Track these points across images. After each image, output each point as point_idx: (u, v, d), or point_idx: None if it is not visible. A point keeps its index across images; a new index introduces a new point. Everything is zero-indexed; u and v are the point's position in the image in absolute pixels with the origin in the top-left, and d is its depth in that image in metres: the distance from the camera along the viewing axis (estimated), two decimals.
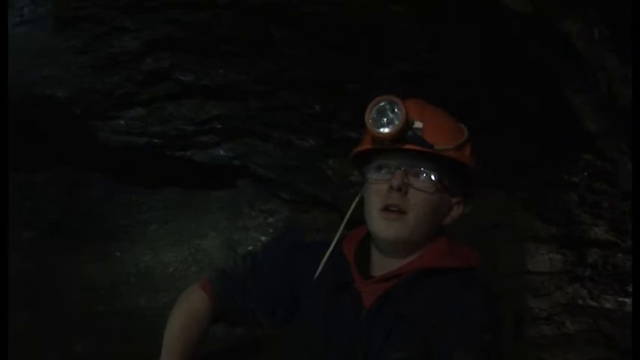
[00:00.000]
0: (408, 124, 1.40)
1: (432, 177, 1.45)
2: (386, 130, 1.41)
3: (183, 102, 3.55)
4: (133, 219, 4.56)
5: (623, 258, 2.33)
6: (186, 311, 1.63)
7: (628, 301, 2.44)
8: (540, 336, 2.85)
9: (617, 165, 2.17)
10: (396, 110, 1.41)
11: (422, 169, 1.45)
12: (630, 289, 2.24)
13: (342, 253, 1.56)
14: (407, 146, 1.43)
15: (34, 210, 4.18)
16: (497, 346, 1.37)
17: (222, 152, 4.11)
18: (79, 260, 4.27)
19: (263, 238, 4.60)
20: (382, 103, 1.43)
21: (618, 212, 2.26)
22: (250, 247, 4.60)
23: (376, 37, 2.62)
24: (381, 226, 1.46)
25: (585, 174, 2.50)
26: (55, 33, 2.77)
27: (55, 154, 3.90)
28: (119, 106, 3.50)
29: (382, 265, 1.52)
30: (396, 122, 1.40)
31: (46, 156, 3.91)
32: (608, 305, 2.66)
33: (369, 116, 1.42)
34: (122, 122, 3.66)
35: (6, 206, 2.53)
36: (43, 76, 3.13)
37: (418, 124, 1.43)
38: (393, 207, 1.44)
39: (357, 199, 1.59)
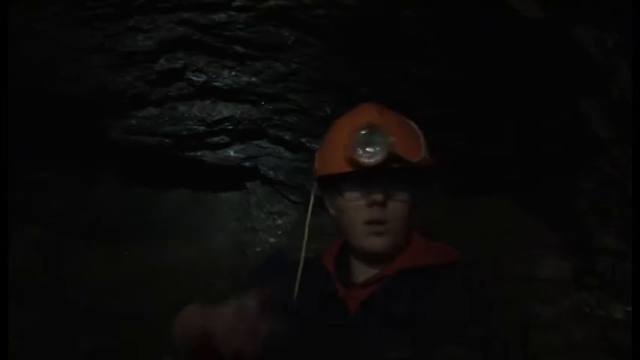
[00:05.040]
0: (391, 150, 1.42)
1: (408, 187, 1.49)
2: (372, 160, 1.43)
3: (195, 103, 3.56)
4: (142, 218, 4.57)
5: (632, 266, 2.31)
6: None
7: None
8: (547, 344, 2.83)
9: (627, 172, 2.16)
10: (378, 137, 1.42)
11: (398, 182, 1.48)
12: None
13: (322, 265, 1.57)
14: (394, 165, 1.45)
15: (43, 208, 4.20)
16: (486, 336, 1.38)
17: (232, 153, 4.13)
18: (87, 259, 4.29)
19: (272, 240, 4.61)
20: (365, 131, 1.44)
21: (628, 220, 2.24)
22: (259, 249, 4.61)
23: (388, 40, 2.62)
24: (367, 240, 1.50)
25: (595, 181, 2.48)
26: (69, 31, 2.78)
27: (66, 152, 3.92)
28: (131, 106, 3.52)
29: (363, 271, 1.55)
30: (381, 152, 1.43)
31: (57, 154, 3.92)
32: (616, 314, 2.64)
33: (352, 145, 1.43)
34: (134, 122, 3.68)
35: (6, 206, 2.55)
36: (56, 74, 3.15)
37: (392, 139, 1.44)
38: (377, 221, 1.47)
39: (309, 215, 1.62)
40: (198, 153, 4.13)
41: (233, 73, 3.21)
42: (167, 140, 3.89)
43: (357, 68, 2.89)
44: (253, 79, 3.22)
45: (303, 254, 1.59)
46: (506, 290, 2.94)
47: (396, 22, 2.48)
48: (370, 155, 1.43)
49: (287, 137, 3.76)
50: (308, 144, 3.72)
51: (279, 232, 4.63)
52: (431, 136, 3.24)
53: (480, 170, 3.21)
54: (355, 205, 1.49)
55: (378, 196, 1.46)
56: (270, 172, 4.31)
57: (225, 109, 3.61)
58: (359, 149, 1.44)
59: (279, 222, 4.66)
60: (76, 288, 4.15)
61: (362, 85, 2.97)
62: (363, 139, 1.45)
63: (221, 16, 2.73)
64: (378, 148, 1.43)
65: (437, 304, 1.43)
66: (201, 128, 3.75)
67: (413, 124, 1.59)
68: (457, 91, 2.79)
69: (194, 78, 3.27)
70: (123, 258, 4.38)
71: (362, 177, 1.48)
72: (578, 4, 2.02)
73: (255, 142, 3.97)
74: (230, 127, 3.75)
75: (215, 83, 3.31)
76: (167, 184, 4.64)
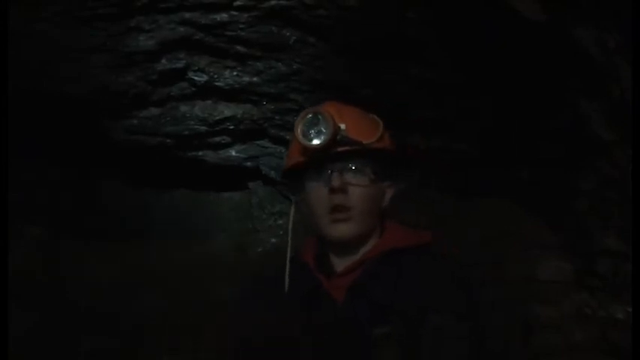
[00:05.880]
0: (336, 131, 1.47)
1: (366, 171, 1.57)
2: (317, 141, 1.51)
3: (197, 103, 3.56)
4: (143, 218, 4.57)
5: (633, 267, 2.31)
6: None
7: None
8: (547, 344, 2.83)
9: (627, 172, 2.16)
10: (322, 120, 1.48)
11: (355, 166, 1.56)
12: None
13: (302, 262, 1.61)
14: (340, 149, 1.51)
15: (44, 208, 4.20)
16: (471, 307, 1.47)
17: (233, 153, 4.13)
18: (87, 259, 4.29)
19: (273, 240, 4.61)
20: (309, 116, 1.50)
21: (628, 220, 2.25)
22: (260, 249, 4.61)
23: (389, 41, 2.63)
24: (332, 228, 1.57)
25: (595, 181, 2.49)
26: (69, 31, 2.78)
27: (67, 152, 3.92)
28: (133, 106, 3.52)
29: (342, 260, 1.63)
30: (325, 131, 1.50)
31: (57, 154, 3.92)
32: (618, 315, 2.64)
33: (299, 131, 1.49)
34: (135, 122, 3.68)
35: (6, 206, 2.54)
36: (56, 74, 3.15)
37: (342, 126, 1.50)
38: (339, 207, 1.53)
39: (292, 214, 1.66)
40: (200, 153, 4.13)
41: (234, 73, 3.21)
42: (168, 140, 3.89)
43: (359, 69, 2.89)
44: (255, 79, 3.22)
45: (288, 254, 1.66)
46: (506, 291, 2.95)
47: (398, 23, 2.49)
48: (315, 136, 1.50)
49: (288, 137, 3.76)
50: None
51: (281, 233, 4.63)
52: (431, 138, 3.25)
53: (480, 171, 3.22)
54: (318, 195, 1.56)
55: (336, 182, 1.53)
56: (272, 172, 4.31)
57: (226, 109, 3.61)
58: (305, 133, 1.51)
59: (281, 222, 4.66)
60: (76, 288, 4.14)
61: (363, 86, 2.97)
62: (308, 123, 1.52)
63: (222, 16, 2.74)
64: (323, 129, 1.50)
65: (419, 280, 1.51)
66: (203, 128, 3.75)
67: (377, 118, 1.64)
68: (458, 92, 2.79)
69: (195, 78, 3.27)
70: (123, 258, 4.37)
71: (320, 167, 1.54)
72: (579, 5, 2.02)
73: (257, 142, 3.98)
74: (231, 127, 3.75)
75: (216, 83, 3.31)
76: (168, 184, 4.64)
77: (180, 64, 3.14)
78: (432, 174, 3.44)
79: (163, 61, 3.11)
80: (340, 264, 1.61)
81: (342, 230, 1.55)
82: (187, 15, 2.75)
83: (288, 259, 1.64)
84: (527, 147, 2.79)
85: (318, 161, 1.54)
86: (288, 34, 2.79)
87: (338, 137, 1.51)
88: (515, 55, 2.35)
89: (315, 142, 1.50)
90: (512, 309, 2.94)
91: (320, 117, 1.50)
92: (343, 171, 1.54)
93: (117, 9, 2.66)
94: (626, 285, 2.51)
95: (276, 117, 3.60)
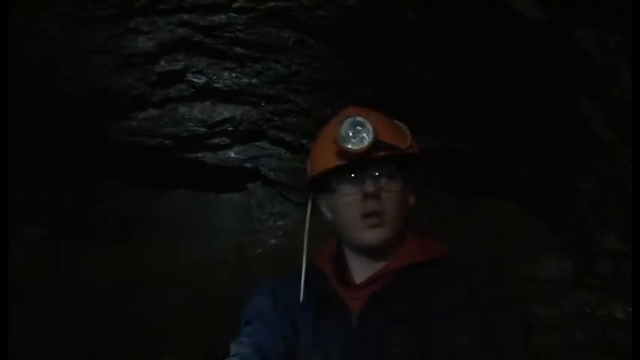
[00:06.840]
0: (376, 135, 1.46)
1: (398, 177, 1.54)
2: (361, 145, 1.47)
3: (196, 104, 3.56)
4: (143, 219, 4.57)
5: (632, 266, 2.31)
6: None
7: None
8: (547, 344, 2.83)
9: (627, 172, 2.16)
10: (364, 124, 1.47)
11: (388, 171, 1.53)
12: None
13: (317, 270, 1.58)
14: (382, 153, 1.50)
15: (44, 208, 4.20)
16: (482, 320, 1.43)
17: (232, 155, 4.13)
18: (89, 260, 4.29)
19: (272, 241, 4.61)
20: (349, 120, 1.47)
21: (628, 220, 2.25)
22: (259, 250, 4.62)
23: (389, 42, 2.62)
24: (365, 234, 1.53)
25: (595, 181, 2.49)
26: (69, 32, 2.78)
27: (66, 152, 3.91)
28: (132, 107, 3.51)
29: (363, 269, 1.58)
30: (367, 136, 1.48)
31: (57, 154, 3.92)
32: (618, 315, 2.64)
33: (340, 135, 1.47)
34: (134, 123, 3.67)
35: (6, 206, 2.54)
36: (56, 75, 3.15)
37: (376, 128, 1.49)
38: (373, 213, 1.50)
39: (308, 219, 1.64)
40: (199, 154, 4.12)
41: (233, 75, 3.21)
42: (167, 141, 3.89)
43: (358, 69, 2.89)
44: (253, 80, 3.22)
45: (304, 260, 1.62)
46: (506, 291, 2.94)
47: (397, 24, 2.49)
48: (358, 142, 1.48)
49: (287, 138, 3.76)
50: (308, 145, 3.70)
51: (280, 234, 4.64)
52: (431, 138, 3.25)
53: (480, 171, 3.22)
54: (350, 200, 1.52)
55: (371, 188, 1.49)
56: (271, 173, 4.31)
57: (225, 111, 3.60)
58: (346, 138, 1.48)
59: (280, 223, 4.67)
60: (76, 288, 4.15)
61: (362, 86, 2.97)
62: (348, 128, 1.49)
63: (221, 18, 2.73)
64: (364, 135, 1.48)
65: (436, 295, 1.48)
66: (202, 129, 3.75)
67: (401, 123, 1.63)
68: (458, 92, 2.79)
69: (194, 79, 3.26)
70: (123, 258, 4.37)
71: (353, 171, 1.52)
72: (579, 5, 2.02)
73: (256, 143, 3.97)
74: (230, 129, 3.75)
75: (215, 85, 3.30)
76: (168, 185, 4.64)
77: (179, 66, 3.14)
78: (432, 174, 3.44)
79: (162, 62, 3.11)
80: (360, 272, 1.58)
81: (375, 235, 1.52)
82: (186, 16, 2.74)
83: (303, 267, 1.61)
84: (527, 147, 2.79)
85: (353, 166, 1.51)
86: (286, 35, 2.78)
87: (377, 142, 1.49)
88: (515, 55, 2.35)
89: (358, 146, 1.47)
90: (513, 309, 2.94)
91: (360, 121, 1.48)
92: (376, 176, 1.52)
93: (116, 10, 2.65)
94: (626, 285, 2.51)
95: (275, 118, 3.59)
